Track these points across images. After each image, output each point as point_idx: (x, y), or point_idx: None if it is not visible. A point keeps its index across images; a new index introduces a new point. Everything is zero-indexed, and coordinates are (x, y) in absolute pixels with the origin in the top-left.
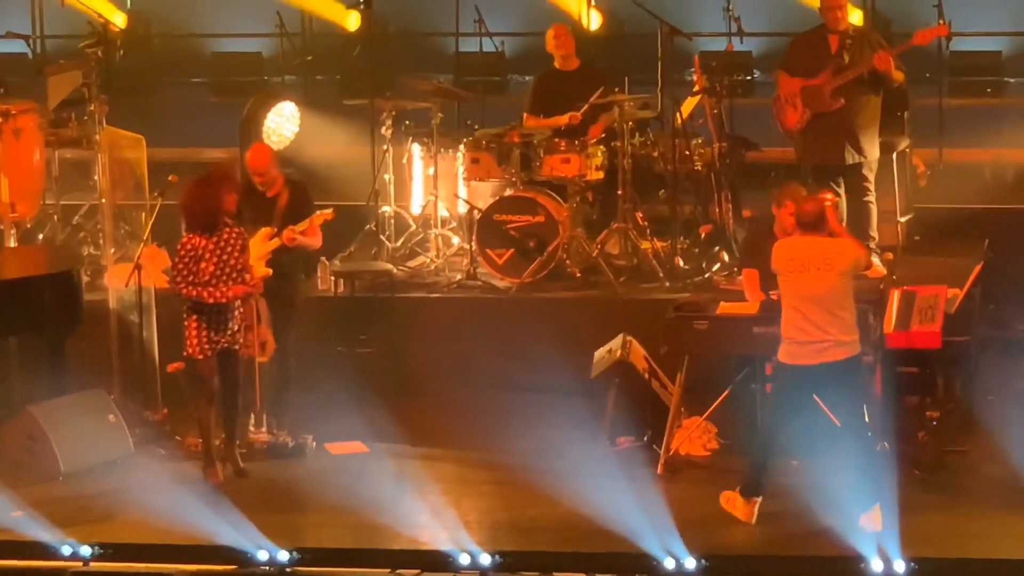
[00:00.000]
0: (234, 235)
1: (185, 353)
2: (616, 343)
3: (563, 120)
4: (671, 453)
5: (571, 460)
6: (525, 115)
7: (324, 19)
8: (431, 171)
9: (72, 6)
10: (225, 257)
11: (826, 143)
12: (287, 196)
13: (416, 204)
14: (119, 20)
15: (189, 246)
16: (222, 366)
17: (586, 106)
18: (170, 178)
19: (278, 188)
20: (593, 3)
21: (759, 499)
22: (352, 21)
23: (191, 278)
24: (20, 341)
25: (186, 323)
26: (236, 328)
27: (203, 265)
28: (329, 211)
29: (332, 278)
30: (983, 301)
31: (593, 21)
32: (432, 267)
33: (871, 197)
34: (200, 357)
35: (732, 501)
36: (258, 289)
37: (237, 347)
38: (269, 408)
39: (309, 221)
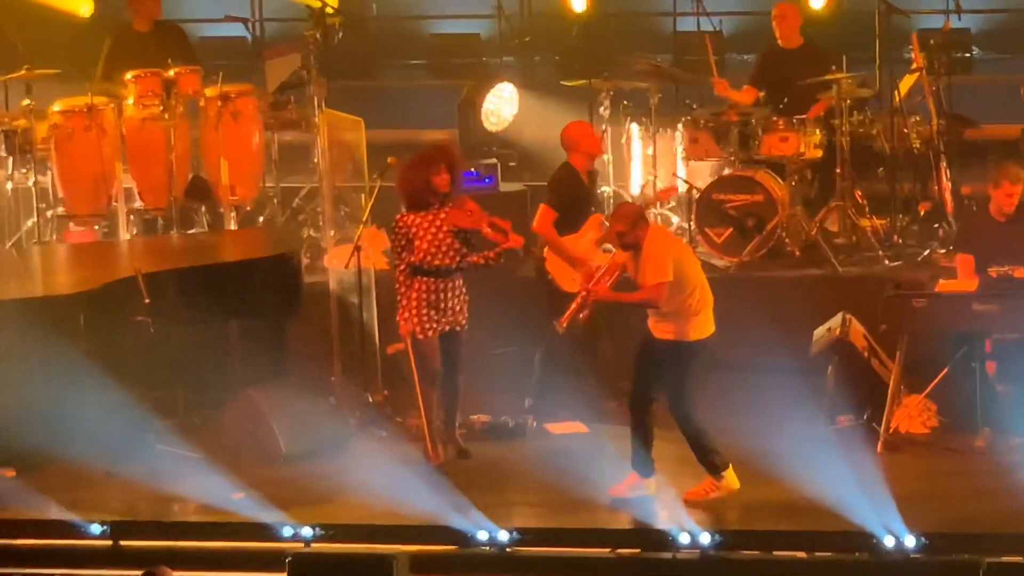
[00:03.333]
0: (440, 217)
1: (404, 331)
2: (835, 321)
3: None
4: (891, 431)
5: (790, 439)
6: (746, 87)
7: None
8: (650, 151)
9: None
10: (441, 236)
11: None
12: None
13: (635, 184)
14: (335, 3)
15: (401, 223)
16: (445, 347)
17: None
18: (388, 160)
19: None
20: None
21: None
22: (579, 2)
23: (405, 255)
24: (241, 324)
25: (404, 301)
26: (458, 309)
27: (417, 243)
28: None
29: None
30: None
31: None
32: None
33: None
34: (421, 337)
35: (712, 488)
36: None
37: (460, 328)
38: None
39: None
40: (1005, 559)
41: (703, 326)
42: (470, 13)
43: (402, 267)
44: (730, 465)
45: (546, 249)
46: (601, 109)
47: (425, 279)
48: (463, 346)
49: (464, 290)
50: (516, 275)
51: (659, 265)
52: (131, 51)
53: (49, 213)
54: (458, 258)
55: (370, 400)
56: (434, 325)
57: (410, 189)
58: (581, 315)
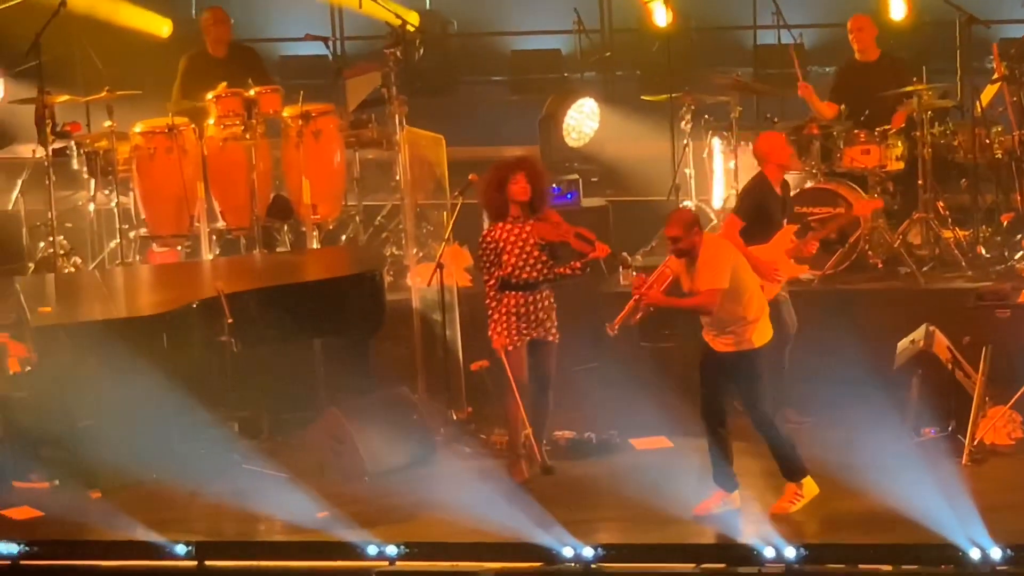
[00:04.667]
0: (526, 230)
1: (496, 346)
2: (919, 333)
3: (826, 111)
4: (976, 443)
5: (875, 451)
6: (826, 101)
7: (625, 15)
8: (732, 165)
9: (369, 12)
10: (528, 249)
11: None
12: None
13: (717, 198)
14: (415, 20)
15: (489, 238)
16: (534, 359)
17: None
18: (470, 177)
19: None
20: None
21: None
22: (662, 17)
23: (494, 271)
24: (324, 343)
25: (495, 316)
26: (547, 319)
27: (505, 257)
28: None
29: (635, 274)
30: None
31: (899, 10)
32: None
33: None
34: (511, 349)
35: (795, 497)
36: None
37: (550, 338)
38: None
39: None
40: None
41: (764, 331)
42: (551, 29)
43: (491, 282)
44: (808, 472)
45: None
46: (682, 124)
47: (515, 293)
48: (553, 360)
49: (552, 301)
50: (599, 292)
51: (716, 272)
52: (206, 73)
53: (132, 234)
54: (545, 270)
55: (454, 417)
56: (523, 336)
57: (488, 201)
58: (633, 320)
